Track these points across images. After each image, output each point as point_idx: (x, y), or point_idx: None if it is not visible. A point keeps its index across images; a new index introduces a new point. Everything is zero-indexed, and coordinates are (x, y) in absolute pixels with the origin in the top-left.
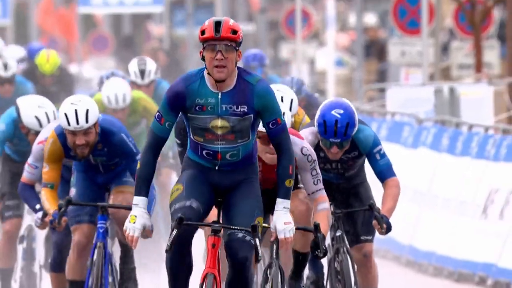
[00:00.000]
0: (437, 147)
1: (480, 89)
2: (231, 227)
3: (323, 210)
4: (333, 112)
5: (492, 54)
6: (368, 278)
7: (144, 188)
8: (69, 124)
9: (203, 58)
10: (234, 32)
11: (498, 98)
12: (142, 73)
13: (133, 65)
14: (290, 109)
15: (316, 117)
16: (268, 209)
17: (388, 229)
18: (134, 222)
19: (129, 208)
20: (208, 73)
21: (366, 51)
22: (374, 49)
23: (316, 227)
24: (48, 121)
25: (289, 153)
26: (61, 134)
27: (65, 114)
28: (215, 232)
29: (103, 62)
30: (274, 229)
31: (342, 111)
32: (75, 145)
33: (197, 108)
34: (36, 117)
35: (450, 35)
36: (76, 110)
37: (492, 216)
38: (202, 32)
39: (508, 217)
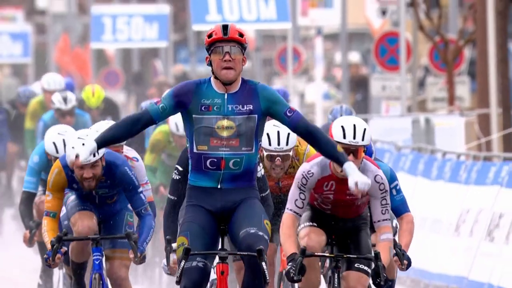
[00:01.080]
0: (414, 172)
1: (453, 120)
2: (238, 253)
3: (386, 240)
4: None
5: (463, 88)
6: None
7: (106, 132)
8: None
9: (209, 64)
10: (241, 35)
11: (469, 128)
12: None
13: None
14: (287, 143)
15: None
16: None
17: (409, 264)
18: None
19: (122, 238)
20: (215, 77)
21: (351, 85)
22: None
23: (377, 255)
24: (65, 148)
25: (319, 130)
26: (67, 165)
27: (73, 148)
28: (223, 260)
29: (114, 96)
30: (352, 182)
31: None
32: (82, 178)
33: (203, 108)
34: (54, 143)
35: (425, 71)
36: (83, 145)
37: (463, 234)
38: (209, 36)
39: (478, 234)
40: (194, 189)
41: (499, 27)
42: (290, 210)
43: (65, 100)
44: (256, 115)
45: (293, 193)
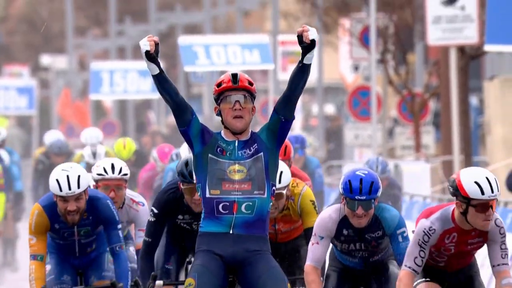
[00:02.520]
0: None
1: (419, 166)
2: None
3: (508, 285)
4: (357, 173)
5: (428, 137)
6: None
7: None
8: (61, 189)
9: (219, 114)
10: (250, 83)
11: (434, 173)
12: None
13: (184, 150)
14: (280, 182)
15: (341, 181)
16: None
17: None
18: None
19: (108, 287)
20: (225, 127)
21: (326, 135)
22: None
23: None
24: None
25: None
26: (47, 206)
27: (57, 180)
28: None
29: (112, 144)
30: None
31: (366, 172)
32: (66, 211)
33: (218, 150)
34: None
35: (394, 122)
36: (68, 176)
37: None
38: (219, 85)
39: None
40: (205, 236)
41: (461, 82)
42: (409, 267)
43: (94, 154)
44: (262, 153)
45: (412, 250)
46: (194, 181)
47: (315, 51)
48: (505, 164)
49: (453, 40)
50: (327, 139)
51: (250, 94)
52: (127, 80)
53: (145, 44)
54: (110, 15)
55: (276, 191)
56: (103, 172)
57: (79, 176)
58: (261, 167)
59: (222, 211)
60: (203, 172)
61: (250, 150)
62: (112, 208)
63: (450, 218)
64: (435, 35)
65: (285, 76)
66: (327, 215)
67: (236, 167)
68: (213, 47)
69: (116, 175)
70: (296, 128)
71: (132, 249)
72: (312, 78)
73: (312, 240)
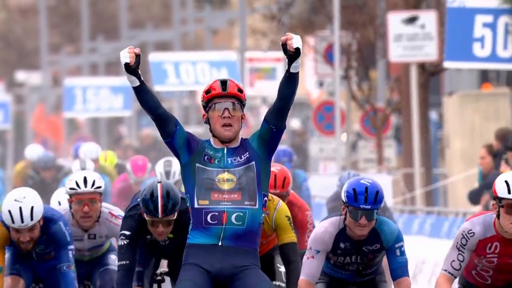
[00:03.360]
0: None
1: (381, 178)
2: None
3: None
4: (362, 181)
5: (390, 151)
6: None
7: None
8: (13, 221)
9: (207, 121)
10: (240, 90)
11: (395, 185)
12: (168, 174)
13: (159, 167)
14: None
15: (344, 189)
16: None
17: None
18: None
19: None
20: (213, 135)
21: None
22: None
23: None
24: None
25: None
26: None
27: (9, 212)
28: None
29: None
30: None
31: (370, 181)
32: (19, 241)
33: (205, 158)
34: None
35: (357, 136)
36: (20, 208)
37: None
38: (207, 91)
39: None
40: (192, 247)
41: (421, 98)
42: (445, 270)
43: (83, 170)
44: (254, 162)
45: (450, 253)
46: (160, 216)
47: (281, 68)
48: (464, 176)
49: (414, 57)
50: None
51: (240, 101)
52: (99, 97)
53: (125, 56)
54: (83, 32)
55: None
56: (75, 186)
57: (32, 208)
58: (252, 176)
59: (211, 221)
60: (191, 182)
61: (241, 158)
62: (64, 230)
63: (492, 224)
64: (396, 53)
65: (253, 91)
66: (323, 229)
67: (226, 175)
68: (183, 65)
69: (89, 188)
70: None
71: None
72: None
73: (307, 254)
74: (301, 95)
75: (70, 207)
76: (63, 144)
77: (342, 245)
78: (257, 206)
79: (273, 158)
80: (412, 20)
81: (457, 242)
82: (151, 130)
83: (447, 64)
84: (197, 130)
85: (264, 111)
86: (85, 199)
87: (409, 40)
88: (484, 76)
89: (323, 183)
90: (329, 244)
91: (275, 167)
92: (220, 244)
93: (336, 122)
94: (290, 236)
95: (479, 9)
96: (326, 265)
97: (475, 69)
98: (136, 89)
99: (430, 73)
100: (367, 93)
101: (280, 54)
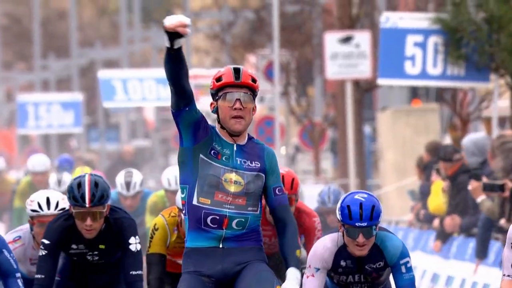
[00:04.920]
0: None
1: (319, 189)
2: None
3: None
4: (356, 197)
5: (327, 163)
6: None
7: None
8: None
9: (215, 110)
10: (254, 80)
11: None
12: (128, 184)
13: (120, 177)
14: None
15: (338, 207)
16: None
17: None
18: None
19: None
20: (221, 127)
21: None
22: None
23: None
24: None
25: (294, 224)
26: None
27: None
28: None
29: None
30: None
31: (365, 195)
32: None
33: (212, 152)
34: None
35: (296, 149)
36: None
37: None
38: (218, 79)
39: None
40: (192, 253)
41: (356, 113)
42: (508, 276)
43: (59, 182)
44: (264, 175)
45: (507, 256)
46: (87, 205)
47: None
48: (396, 187)
49: (349, 75)
50: None
51: (253, 92)
52: (51, 114)
53: (181, 21)
54: (35, 50)
55: None
56: (37, 208)
57: None
58: (260, 185)
59: (211, 224)
60: (193, 174)
61: (251, 163)
62: (8, 257)
63: None
64: (332, 70)
65: (198, 107)
66: (322, 245)
67: (233, 176)
68: (130, 81)
69: (52, 210)
70: None
71: None
72: None
73: (307, 272)
74: None
75: (31, 229)
76: (15, 157)
77: (343, 263)
78: (258, 212)
79: None
80: (347, 40)
81: (511, 243)
82: (132, 148)
83: (380, 81)
84: (144, 143)
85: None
86: (48, 222)
87: (344, 58)
88: (414, 92)
89: None
90: (329, 262)
91: (282, 169)
92: (221, 246)
93: (276, 136)
94: None
95: (411, 30)
96: (331, 284)
97: (406, 86)
98: (175, 52)
99: (364, 90)
100: (305, 108)
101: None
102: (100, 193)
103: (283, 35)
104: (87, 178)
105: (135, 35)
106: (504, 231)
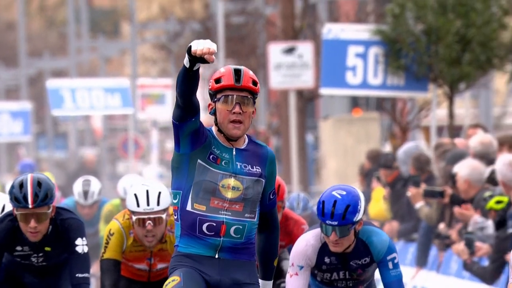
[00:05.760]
0: None
1: None
2: None
3: None
4: (333, 193)
5: None
6: None
7: None
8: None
9: (213, 112)
10: (255, 83)
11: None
12: (86, 193)
13: (78, 186)
14: (158, 203)
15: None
16: None
17: None
18: None
19: None
20: (218, 130)
21: None
22: None
23: None
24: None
25: (278, 231)
26: None
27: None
28: None
29: None
30: None
31: (344, 193)
32: None
33: (211, 157)
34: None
35: None
36: None
37: None
38: (217, 80)
39: None
40: (186, 257)
41: (299, 122)
42: None
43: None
44: (264, 180)
45: None
46: (30, 206)
47: (170, 94)
48: None
49: (292, 85)
50: None
51: (253, 95)
52: (0, 122)
53: (211, 46)
54: None
55: (155, 215)
56: None
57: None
58: (260, 191)
59: (207, 232)
60: (188, 180)
61: (252, 168)
62: None
63: None
64: (276, 80)
65: (144, 115)
66: (304, 242)
67: (232, 182)
68: (79, 91)
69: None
70: (153, 161)
71: None
72: (168, 117)
73: (290, 271)
74: None
75: None
76: None
77: (327, 260)
78: (255, 219)
79: None
80: (290, 51)
81: None
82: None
83: (323, 91)
84: (91, 151)
85: (154, 134)
86: None
87: (288, 68)
88: (355, 102)
89: None
90: (312, 259)
91: None
92: (217, 256)
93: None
94: None
95: (352, 41)
96: (314, 283)
97: (347, 95)
98: (193, 72)
99: (307, 99)
100: None
101: (169, 81)
102: (43, 193)
103: (228, 46)
104: (29, 178)
105: (83, 46)
106: (442, 237)
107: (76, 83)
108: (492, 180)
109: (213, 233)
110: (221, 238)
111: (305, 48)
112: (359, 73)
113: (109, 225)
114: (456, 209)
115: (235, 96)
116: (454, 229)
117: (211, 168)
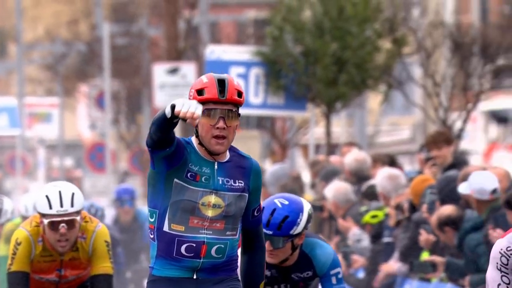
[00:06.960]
0: None
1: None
2: None
3: None
4: (276, 200)
5: None
6: None
7: None
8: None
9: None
10: (240, 94)
11: None
12: None
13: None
14: (72, 205)
15: None
16: None
17: None
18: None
19: None
20: (200, 143)
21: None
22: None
23: None
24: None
25: (264, 250)
26: None
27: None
28: None
29: None
30: None
31: (286, 203)
32: None
33: (189, 175)
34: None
35: (125, 173)
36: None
37: None
38: (200, 92)
39: None
40: (160, 281)
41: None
42: None
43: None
44: (247, 195)
45: (493, 277)
46: None
47: (56, 113)
48: None
49: None
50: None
51: (238, 107)
52: None
53: (198, 109)
54: None
55: (69, 218)
56: None
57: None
58: (242, 207)
59: (185, 253)
60: (164, 199)
61: (234, 183)
62: None
63: None
64: (161, 99)
65: (31, 133)
66: None
67: (213, 199)
68: None
69: None
70: (40, 178)
71: None
72: (54, 135)
73: None
74: (75, 136)
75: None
76: None
77: (267, 273)
78: (237, 236)
79: (115, 196)
80: (174, 71)
81: (497, 263)
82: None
83: None
84: None
85: (41, 152)
86: None
87: (172, 88)
88: None
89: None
90: None
91: None
92: (195, 277)
93: (107, 161)
94: (106, 267)
95: (234, 62)
96: None
97: None
98: (174, 122)
99: None
100: (134, 135)
101: (55, 100)
102: None
103: (113, 66)
104: None
105: None
106: None
107: None
108: (368, 195)
109: (192, 255)
110: (201, 260)
111: (189, 69)
112: None
113: (16, 234)
114: (340, 221)
115: (218, 110)
116: (332, 241)
117: (189, 187)
